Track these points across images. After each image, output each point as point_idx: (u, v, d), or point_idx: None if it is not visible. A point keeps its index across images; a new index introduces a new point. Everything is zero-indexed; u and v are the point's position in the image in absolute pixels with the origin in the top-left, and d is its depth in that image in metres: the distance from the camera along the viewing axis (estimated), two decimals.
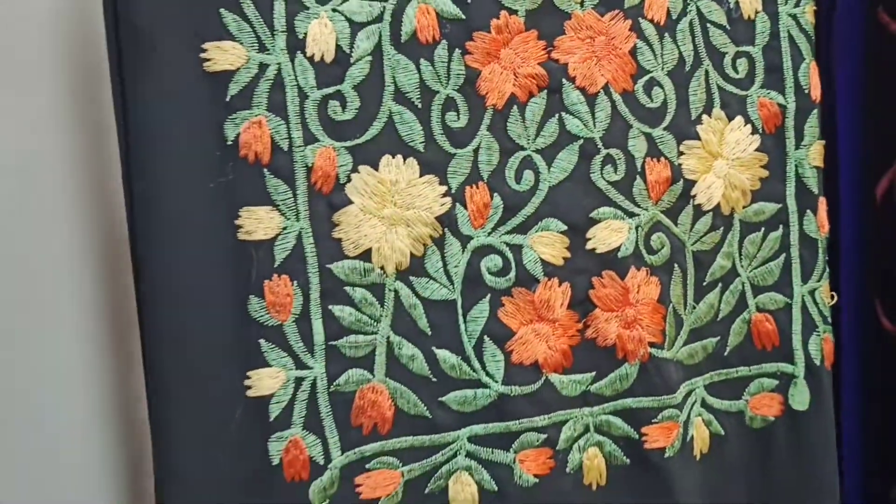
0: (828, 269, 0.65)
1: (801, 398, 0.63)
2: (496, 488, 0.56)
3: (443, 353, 0.56)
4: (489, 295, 0.56)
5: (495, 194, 0.56)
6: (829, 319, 0.65)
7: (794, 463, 0.64)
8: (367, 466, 0.54)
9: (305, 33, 0.53)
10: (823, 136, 0.67)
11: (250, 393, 0.52)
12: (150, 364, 0.51)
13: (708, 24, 0.60)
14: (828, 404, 0.64)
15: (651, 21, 0.58)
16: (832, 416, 0.65)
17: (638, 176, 0.58)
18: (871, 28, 0.74)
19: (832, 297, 0.65)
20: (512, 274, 0.56)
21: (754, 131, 0.61)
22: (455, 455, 0.56)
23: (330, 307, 0.54)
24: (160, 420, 0.51)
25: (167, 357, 0.51)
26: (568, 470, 0.58)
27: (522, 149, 0.57)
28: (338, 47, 0.53)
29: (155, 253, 0.51)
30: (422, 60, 0.54)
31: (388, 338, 0.55)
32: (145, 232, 0.51)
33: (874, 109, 0.74)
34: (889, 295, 0.74)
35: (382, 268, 0.55)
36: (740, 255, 0.62)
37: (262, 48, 0.52)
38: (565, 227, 0.57)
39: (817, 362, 0.64)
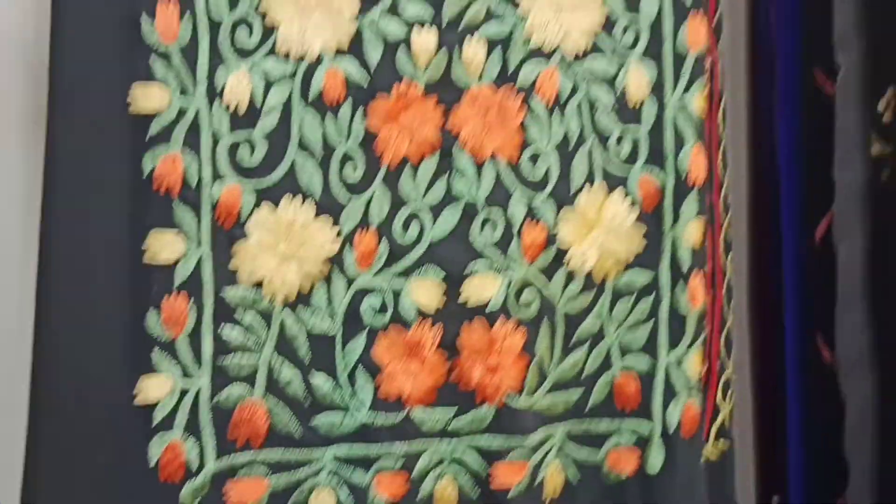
0: (701, 339, 0.70)
1: (653, 461, 0.68)
2: None
3: (318, 380, 0.62)
4: (366, 331, 0.63)
5: (382, 241, 0.63)
6: (698, 388, 0.71)
7: None
8: (237, 475, 0.61)
9: (224, 84, 0.59)
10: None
11: (138, 399, 0.59)
12: (41, 364, 0.58)
13: (595, 106, 0.66)
14: (683, 471, 0.69)
15: (541, 99, 0.65)
16: (689, 482, 0.69)
17: (514, 237, 0.64)
18: (807, 87, 0.80)
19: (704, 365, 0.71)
20: (389, 313, 0.63)
21: (633, 205, 0.67)
22: (319, 471, 0.62)
23: (220, 327, 0.60)
24: (39, 419, 0.58)
25: (60, 360, 0.58)
26: (419, 497, 0.63)
27: (411, 203, 0.63)
28: (252, 99, 0.60)
29: (63, 265, 0.57)
30: (326, 117, 0.61)
31: (270, 361, 0.61)
32: (56, 243, 0.57)
33: (812, 161, 0.80)
34: (829, 328, 0.80)
35: (272, 298, 0.61)
36: (610, 318, 0.68)
37: (185, 94, 0.59)
38: (442, 277, 0.63)
39: (673, 428, 0.69)
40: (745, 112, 0.85)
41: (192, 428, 0.59)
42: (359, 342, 0.62)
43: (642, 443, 0.68)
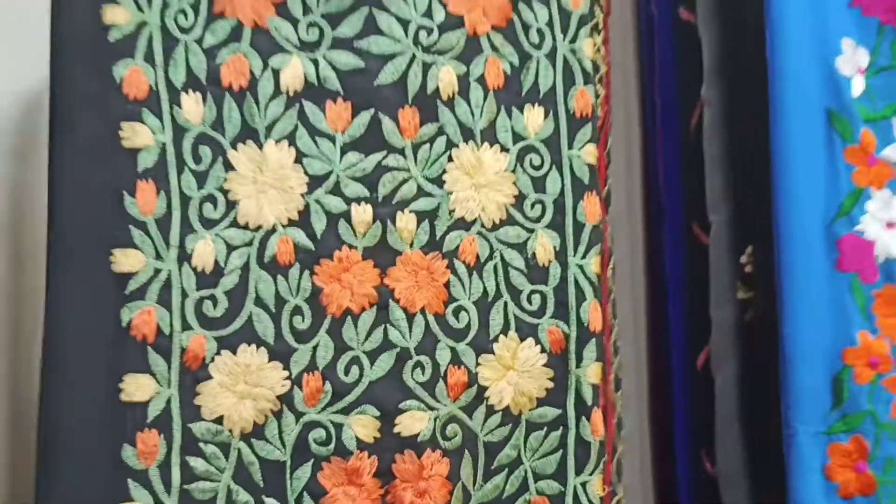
0: (601, 465, 0.80)
1: None
2: None
3: (269, 503, 0.70)
4: (312, 460, 0.72)
5: (327, 382, 0.73)
6: None
7: None
8: None
9: (192, 249, 0.71)
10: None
11: None
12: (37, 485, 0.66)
13: (509, 268, 0.78)
14: None
15: (463, 262, 0.77)
16: None
17: (441, 379, 0.75)
18: (688, 238, 0.97)
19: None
20: (332, 445, 0.72)
21: (543, 351, 0.79)
22: None
23: (187, 458, 0.69)
24: None
25: (52, 482, 0.66)
26: None
27: (352, 349, 0.73)
28: (216, 262, 0.71)
29: (51, 403, 0.66)
30: (279, 277, 0.72)
31: (228, 486, 0.70)
32: (48, 386, 0.67)
33: (694, 301, 0.96)
34: (711, 445, 0.92)
35: (231, 430, 0.70)
36: (525, 447, 0.78)
37: (159, 258, 0.69)
38: (378, 413, 0.74)
39: None
40: (641, 257, 1.00)
41: None
42: (305, 470, 0.72)
43: None
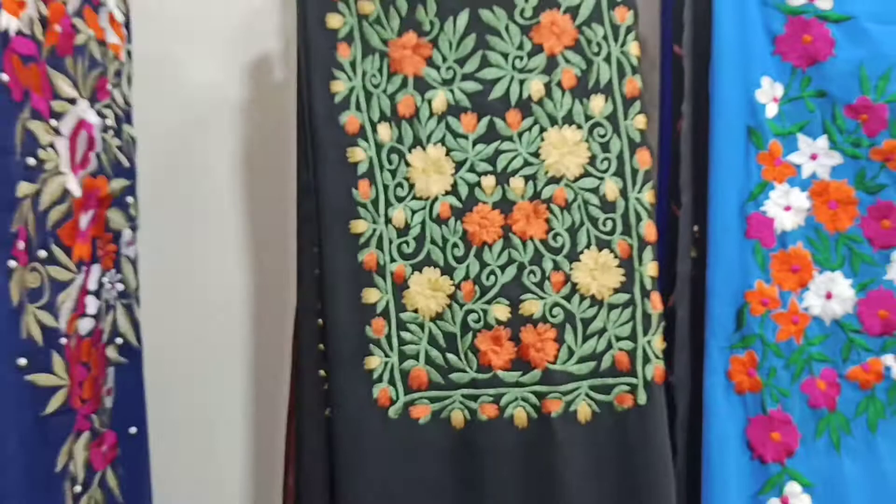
0: (661, 328, 1.19)
1: (640, 399, 1.18)
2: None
3: (450, 356, 1.17)
4: (471, 332, 1.18)
5: (476, 285, 1.18)
6: (660, 356, 1.19)
7: (640, 434, 1.17)
8: (414, 403, 1.17)
9: (392, 216, 1.18)
10: None
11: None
12: None
13: (588, 205, 1.19)
14: (657, 403, 1.17)
15: (557, 205, 1.19)
16: (661, 412, 1.18)
17: (546, 279, 1.19)
18: (669, 212, 1.33)
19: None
20: (482, 323, 1.18)
21: (616, 257, 1.19)
22: (453, 402, 1.17)
23: (400, 332, 1.18)
24: None
25: None
26: (504, 416, 1.17)
27: (489, 265, 1.19)
28: (406, 221, 1.19)
29: (332, 318, 1.18)
30: (443, 225, 1.19)
31: (425, 348, 1.18)
32: (327, 306, 1.19)
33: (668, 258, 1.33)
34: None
35: (424, 315, 1.18)
36: (608, 320, 1.19)
37: (374, 222, 1.18)
38: (508, 302, 1.19)
39: (650, 379, 1.18)
40: None
41: (392, 382, 1.17)
42: (468, 338, 1.18)
43: (634, 389, 1.18)
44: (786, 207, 1.25)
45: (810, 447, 1.23)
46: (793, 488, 1.23)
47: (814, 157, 1.26)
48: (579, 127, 1.20)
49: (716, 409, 1.22)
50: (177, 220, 1.40)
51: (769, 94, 1.26)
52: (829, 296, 1.25)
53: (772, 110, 1.26)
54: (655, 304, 1.19)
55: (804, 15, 1.25)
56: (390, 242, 1.19)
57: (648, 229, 1.20)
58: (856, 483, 1.24)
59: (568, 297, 1.19)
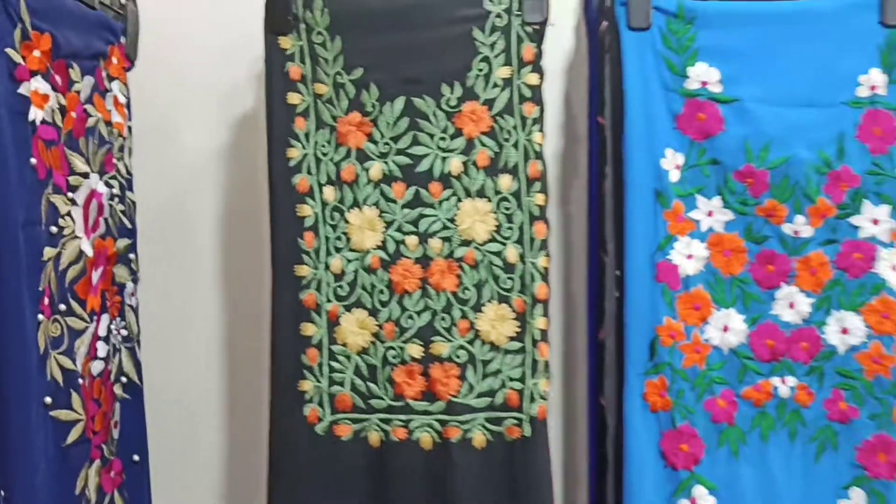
0: (546, 375, 1.32)
1: (526, 431, 1.37)
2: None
3: (371, 386, 1.37)
4: (389, 366, 1.39)
5: (396, 326, 1.39)
6: (544, 397, 1.39)
7: (524, 460, 1.37)
8: (339, 423, 1.38)
9: (330, 263, 1.40)
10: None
11: None
12: None
13: (493, 265, 1.38)
14: (537, 436, 1.36)
15: (467, 263, 1.38)
16: (542, 445, 1.37)
17: (454, 325, 1.37)
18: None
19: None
20: (399, 359, 1.40)
21: (513, 311, 1.38)
22: (370, 425, 1.37)
23: (330, 362, 1.41)
24: None
25: None
26: (412, 439, 1.39)
27: (409, 310, 1.39)
28: (342, 269, 1.40)
29: (278, 349, 1.41)
30: (372, 275, 1.40)
31: (351, 378, 1.38)
32: (276, 340, 1.42)
33: None
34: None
35: (351, 349, 1.38)
36: (503, 364, 1.39)
37: (315, 268, 1.40)
38: (422, 343, 1.39)
39: (534, 415, 1.37)
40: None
41: (321, 403, 1.40)
42: (387, 371, 1.41)
43: (521, 423, 1.38)
44: (688, 256, 1.45)
45: (714, 456, 1.44)
46: (700, 491, 1.43)
47: (710, 214, 1.46)
48: (489, 200, 1.41)
49: (634, 425, 1.42)
50: (169, 272, 1.67)
51: (672, 162, 1.44)
52: (725, 329, 1.45)
53: (675, 176, 1.45)
54: (543, 353, 1.39)
55: (699, 97, 1.45)
56: (328, 286, 1.42)
57: (541, 290, 1.40)
58: (751, 486, 1.45)
59: (471, 342, 1.40)
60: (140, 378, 1.42)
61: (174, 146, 1.66)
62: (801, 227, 1.44)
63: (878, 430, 1.42)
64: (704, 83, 1.44)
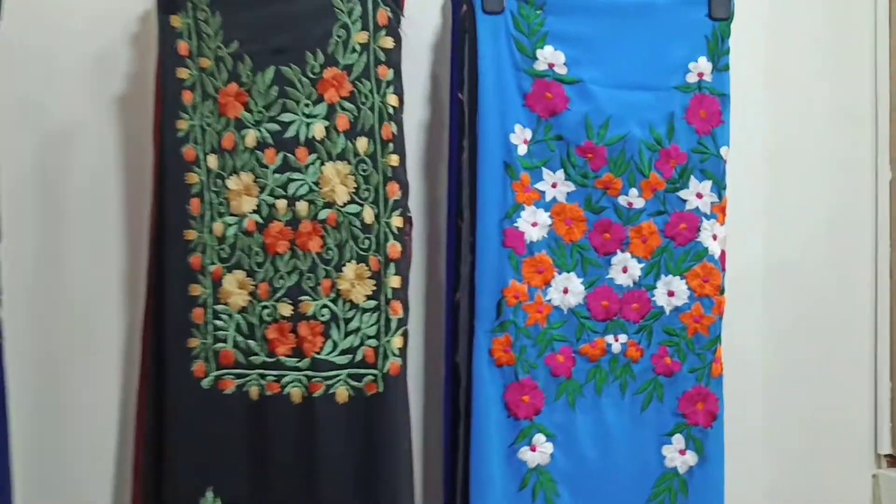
0: (399, 332, 1.42)
1: (381, 387, 1.44)
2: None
3: (250, 343, 1.42)
4: (265, 323, 1.42)
5: (270, 286, 1.45)
6: (398, 354, 1.45)
7: (380, 414, 1.44)
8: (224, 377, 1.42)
9: (213, 227, 1.44)
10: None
11: None
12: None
13: (352, 226, 1.44)
14: (391, 391, 1.44)
15: (329, 224, 1.43)
16: (398, 400, 1.45)
17: (319, 284, 1.43)
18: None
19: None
20: (272, 317, 1.45)
21: (369, 269, 1.44)
22: (251, 379, 1.42)
23: (214, 320, 1.46)
24: None
25: None
26: (284, 393, 1.45)
27: (280, 270, 1.45)
28: (223, 232, 1.44)
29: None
30: (249, 237, 1.44)
31: (234, 335, 1.43)
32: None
33: None
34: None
35: (232, 308, 1.43)
36: (361, 320, 1.45)
37: (200, 232, 1.44)
38: (291, 302, 1.44)
39: (386, 371, 1.45)
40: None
41: (207, 359, 1.44)
42: (263, 328, 1.45)
43: (377, 379, 1.46)
44: (533, 224, 1.54)
45: (552, 406, 1.55)
46: (539, 439, 1.54)
47: (554, 185, 1.57)
48: (349, 162, 1.47)
49: (481, 379, 1.52)
50: (43, 230, 1.63)
51: (520, 137, 1.54)
52: (566, 291, 1.56)
53: (522, 150, 1.55)
54: (396, 311, 1.47)
55: (546, 78, 1.55)
56: (212, 249, 1.47)
57: (393, 249, 1.47)
58: (586, 433, 1.56)
59: (334, 301, 1.47)
60: (0, 332, 1.40)
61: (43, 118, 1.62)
62: (634, 199, 1.56)
63: (697, 383, 1.57)
64: (551, 65, 1.54)
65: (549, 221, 1.55)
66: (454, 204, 1.61)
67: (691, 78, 1.55)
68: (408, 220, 1.53)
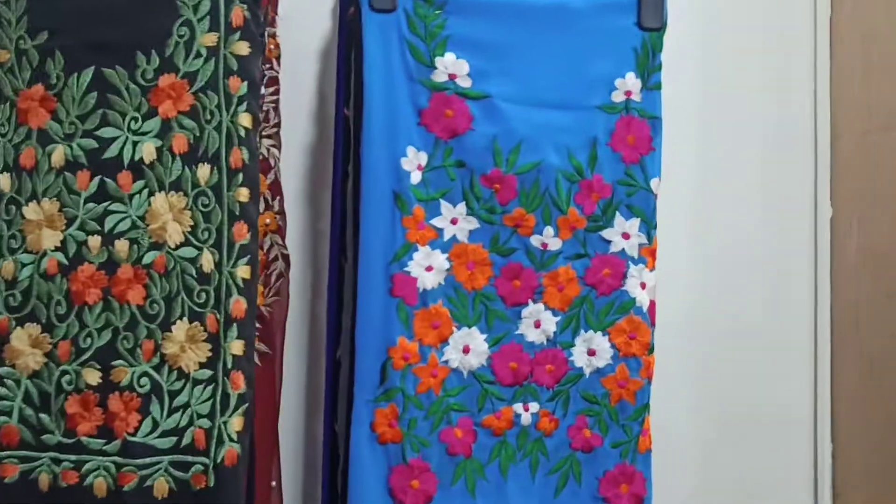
0: (240, 410, 0.91)
1: (211, 480, 0.91)
2: None
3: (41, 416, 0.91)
4: (64, 393, 0.91)
5: (73, 346, 0.91)
6: (234, 438, 0.91)
7: None
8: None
9: (1, 266, 0.91)
10: None
11: None
12: None
13: (185, 275, 0.91)
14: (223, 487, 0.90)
15: (156, 272, 0.92)
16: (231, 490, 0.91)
17: (138, 347, 0.91)
18: None
19: None
20: (73, 385, 0.91)
21: (205, 331, 0.91)
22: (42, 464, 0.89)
23: None
24: None
25: None
26: (85, 484, 0.90)
27: (88, 326, 0.91)
28: (14, 274, 0.91)
29: None
30: (49, 282, 0.91)
31: (19, 406, 0.90)
32: None
33: None
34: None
35: (21, 372, 0.91)
36: (192, 396, 0.92)
37: None
38: (100, 367, 0.91)
39: (220, 462, 0.91)
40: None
41: None
42: (60, 399, 0.91)
43: (206, 470, 0.92)
44: (428, 268, 1.03)
45: (448, 492, 1.03)
46: None
47: (454, 221, 1.05)
48: (186, 194, 0.94)
49: (360, 459, 1.00)
50: None
51: (414, 162, 1.03)
52: (466, 350, 1.04)
53: (416, 177, 1.03)
54: (237, 384, 0.93)
55: (446, 91, 1.03)
56: None
57: (237, 306, 0.94)
58: None
59: (157, 368, 0.93)
60: None
61: None
62: (549, 239, 1.06)
63: (621, 460, 1.06)
64: (452, 76, 1.04)
65: (447, 265, 1.04)
66: (337, 241, 1.09)
67: (617, 97, 1.06)
68: (284, 259, 1.05)
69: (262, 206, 1.05)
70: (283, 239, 1.08)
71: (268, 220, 1.08)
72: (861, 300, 1.29)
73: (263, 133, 1.08)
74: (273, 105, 1.13)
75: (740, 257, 1.30)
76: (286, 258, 1.08)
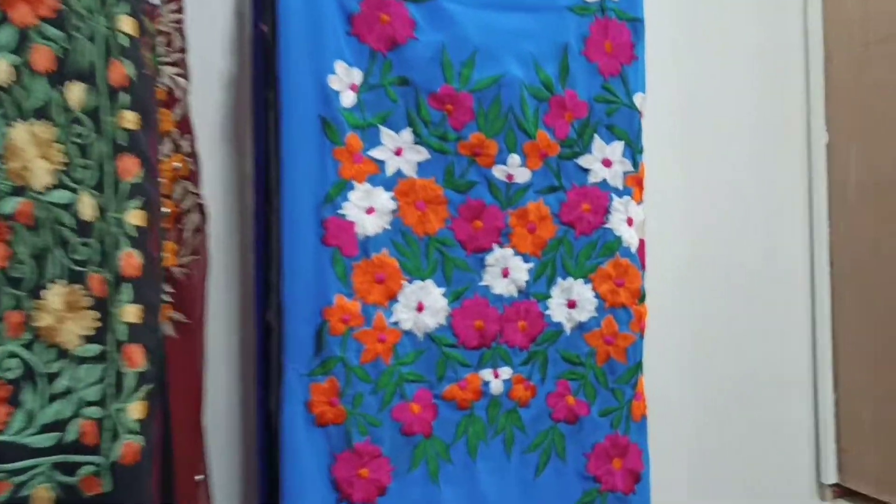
0: (140, 393, 0.73)
1: (106, 484, 0.71)
2: None
3: None
4: None
5: None
6: (134, 430, 0.72)
7: None
8: None
9: None
10: None
11: None
12: None
13: (59, 225, 0.70)
14: (123, 491, 0.71)
15: (21, 223, 0.70)
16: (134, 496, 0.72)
17: (1, 320, 0.70)
18: None
19: None
20: None
21: (88, 295, 0.71)
22: None
23: None
24: None
25: None
26: None
27: None
28: None
29: None
30: None
31: None
32: None
33: None
34: None
35: None
36: (76, 378, 0.71)
37: None
38: None
39: (117, 461, 0.72)
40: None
41: None
42: None
43: (100, 471, 0.72)
44: (368, 210, 0.86)
45: (404, 480, 0.87)
46: None
47: (398, 152, 0.87)
48: (54, 123, 0.73)
49: (296, 445, 0.83)
50: None
51: (345, 80, 0.85)
52: (420, 307, 0.87)
53: (348, 99, 0.85)
54: (133, 361, 0.73)
55: None
56: None
57: (128, 261, 0.74)
58: None
59: (28, 346, 0.72)
60: None
61: None
62: (515, 169, 0.89)
63: (612, 430, 0.91)
64: None
65: (391, 206, 0.86)
66: (262, 185, 0.91)
67: None
68: (200, 210, 0.87)
69: (169, 146, 0.88)
70: (196, 186, 0.91)
71: (177, 164, 0.90)
72: (863, 236, 1.18)
73: (166, 59, 0.91)
74: (176, 25, 0.96)
75: (734, 191, 1.15)
76: (203, 209, 0.89)
